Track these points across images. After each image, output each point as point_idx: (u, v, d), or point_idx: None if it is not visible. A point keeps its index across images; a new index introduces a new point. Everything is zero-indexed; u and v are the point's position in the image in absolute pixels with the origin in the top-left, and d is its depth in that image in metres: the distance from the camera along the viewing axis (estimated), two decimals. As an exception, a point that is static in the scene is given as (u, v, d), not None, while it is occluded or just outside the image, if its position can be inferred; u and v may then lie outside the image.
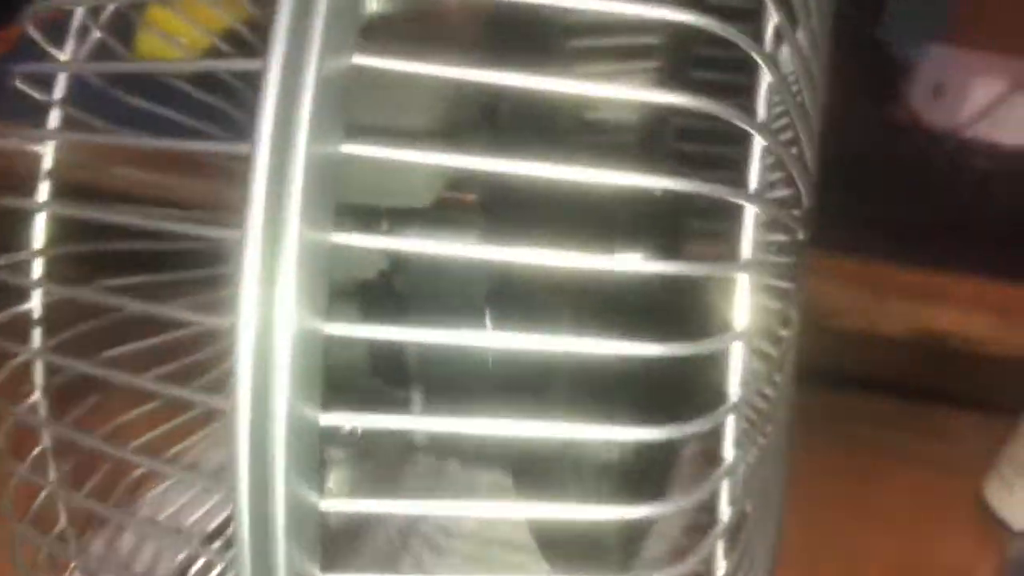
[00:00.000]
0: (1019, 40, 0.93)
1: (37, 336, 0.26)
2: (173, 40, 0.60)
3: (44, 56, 0.60)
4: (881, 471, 0.58)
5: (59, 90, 0.26)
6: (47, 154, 0.25)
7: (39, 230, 0.25)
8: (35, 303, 0.25)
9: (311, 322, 0.18)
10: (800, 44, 0.22)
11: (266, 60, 0.17)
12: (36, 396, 0.26)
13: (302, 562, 0.19)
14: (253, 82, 0.18)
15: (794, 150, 0.23)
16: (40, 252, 0.25)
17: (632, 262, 0.23)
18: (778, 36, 0.21)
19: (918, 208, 0.65)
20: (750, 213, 0.20)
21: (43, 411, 0.26)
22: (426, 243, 0.21)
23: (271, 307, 0.17)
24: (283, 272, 0.17)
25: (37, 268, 0.25)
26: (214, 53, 0.61)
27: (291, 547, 0.19)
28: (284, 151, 0.17)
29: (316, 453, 0.19)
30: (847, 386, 0.63)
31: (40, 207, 0.25)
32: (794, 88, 0.22)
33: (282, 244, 0.17)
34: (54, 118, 0.26)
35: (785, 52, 0.22)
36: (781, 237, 0.25)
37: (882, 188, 0.66)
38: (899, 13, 0.94)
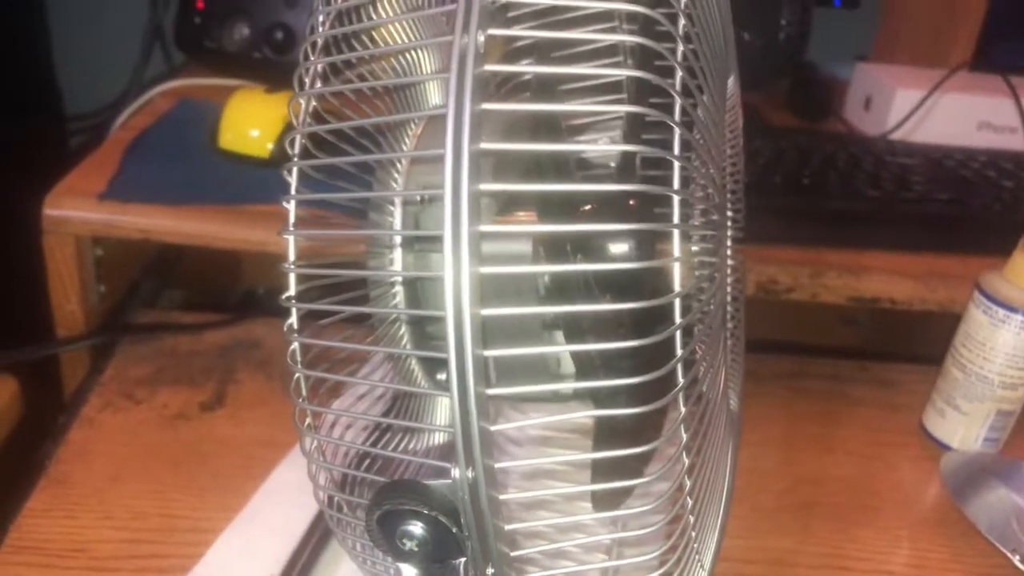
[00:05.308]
0: (930, 52, 1.08)
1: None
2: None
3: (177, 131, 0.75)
4: (838, 414, 0.71)
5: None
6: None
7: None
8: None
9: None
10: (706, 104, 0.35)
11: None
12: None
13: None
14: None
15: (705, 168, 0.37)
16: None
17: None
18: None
19: (852, 200, 0.79)
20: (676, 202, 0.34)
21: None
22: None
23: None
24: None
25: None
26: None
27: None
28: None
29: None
30: (803, 350, 0.78)
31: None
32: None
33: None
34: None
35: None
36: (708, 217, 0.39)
37: (823, 186, 0.80)
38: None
